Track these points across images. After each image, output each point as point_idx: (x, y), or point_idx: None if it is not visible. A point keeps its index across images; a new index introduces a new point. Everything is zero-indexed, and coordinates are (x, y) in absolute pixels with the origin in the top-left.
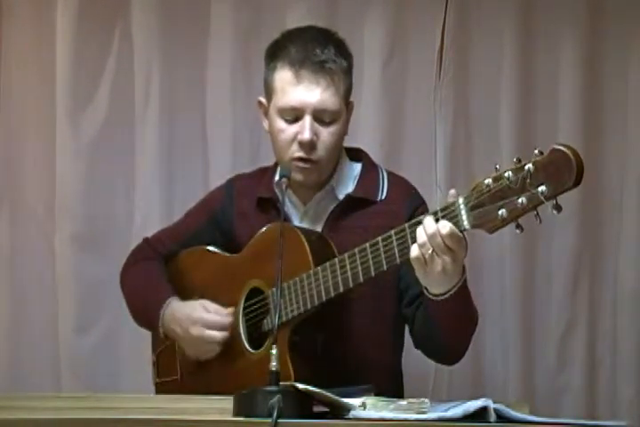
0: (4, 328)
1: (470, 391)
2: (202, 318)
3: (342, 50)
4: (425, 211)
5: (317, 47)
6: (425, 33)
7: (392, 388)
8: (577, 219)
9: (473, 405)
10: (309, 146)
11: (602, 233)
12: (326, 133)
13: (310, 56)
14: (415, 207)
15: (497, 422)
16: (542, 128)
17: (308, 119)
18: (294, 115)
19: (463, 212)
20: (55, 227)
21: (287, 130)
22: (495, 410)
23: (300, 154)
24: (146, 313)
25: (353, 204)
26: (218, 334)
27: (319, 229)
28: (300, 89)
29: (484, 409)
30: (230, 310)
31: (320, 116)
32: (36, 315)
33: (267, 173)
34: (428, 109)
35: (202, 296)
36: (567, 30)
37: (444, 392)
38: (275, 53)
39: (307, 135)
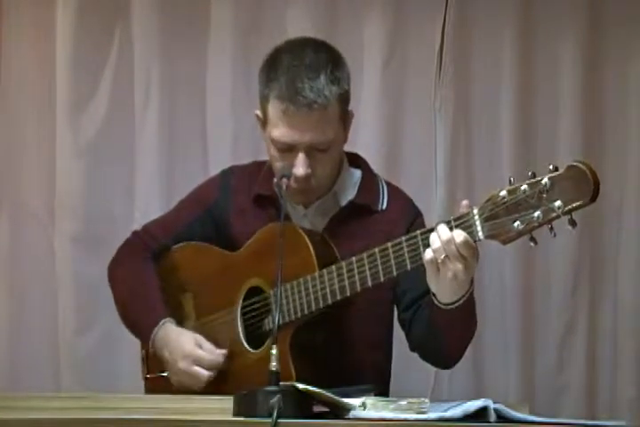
0: (3, 328)
1: (470, 391)
2: (192, 354)
3: (335, 72)
4: (422, 222)
5: (307, 82)
6: (425, 33)
7: (383, 389)
8: (577, 219)
9: (473, 405)
10: (304, 180)
11: (602, 234)
12: (322, 160)
13: (298, 98)
14: (413, 218)
15: (497, 422)
16: (542, 128)
17: (301, 156)
18: (287, 148)
19: (477, 222)
20: (55, 227)
21: (281, 159)
22: (495, 410)
23: (295, 186)
24: (138, 330)
25: (354, 211)
26: (205, 373)
27: None
28: (291, 129)
29: (483, 409)
30: (224, 351)
31: (315, 147)
32: (36, 315)
33: (262, 168)
34: (428, 109)
35: (196, 293)
36: (567, 30)
37: (444, 392)
38: (268, 78)
39: (300, 172)
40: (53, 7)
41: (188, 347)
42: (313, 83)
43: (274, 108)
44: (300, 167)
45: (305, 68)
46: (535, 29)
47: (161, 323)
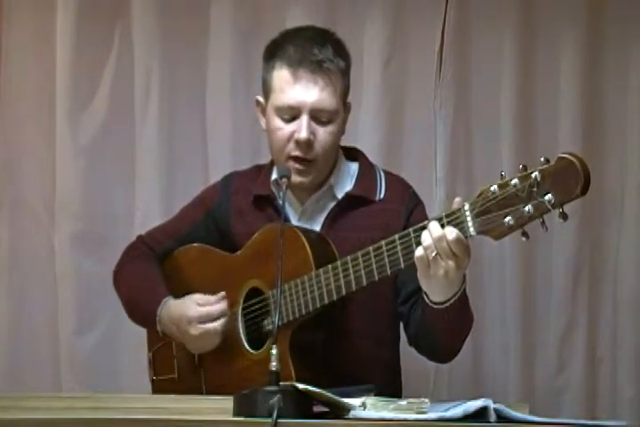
0: (4, 328)
1: (470, 391)
2: (196, 316)
3: (340, 50)
4: (422, 210)
5: (315, 46)
6: (425, 33)
7: (391, 385)
8: (577, 219)
9: (473, 405)
10: (306, 145)
11: (602, 233)
12: (323, 133)
13: (308, 55)
14: (413, 207)
15: (497, 422)
16: (542, 128)
17: (305, 119)
18: (291, 114)
19: (469, 218)
20: (55, 226)
21: (284, 128)
22: (495, 410)
23: (297, 153)
24: (143, 314)
25: (352, 202)
26: (216, 325)
27: (317, 227)
28: (298, 88)
29: (484, 409)
30: (220, 295)
31: (317, 116)
32: (36, 315)
33: (262, 170)
34: (427, 109)
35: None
36: (567, 30)
37: (444, 392)
38: (273, 53)
39: (304, 134)
40: (54, 8)
41: (190, 311)
42: (322, 49)
43: (281, 73)
44: (303, 129)
45: (312, 39)
46: (535, 30)
47: (163, 302)
